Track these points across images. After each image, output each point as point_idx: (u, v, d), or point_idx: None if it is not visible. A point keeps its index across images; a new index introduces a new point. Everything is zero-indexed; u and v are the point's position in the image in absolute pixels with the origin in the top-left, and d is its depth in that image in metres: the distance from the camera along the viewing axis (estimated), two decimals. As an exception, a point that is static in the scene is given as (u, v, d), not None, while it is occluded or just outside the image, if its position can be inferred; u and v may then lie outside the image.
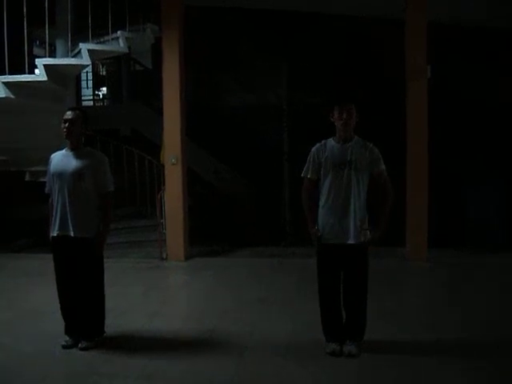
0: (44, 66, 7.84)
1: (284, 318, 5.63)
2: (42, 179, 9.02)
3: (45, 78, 7.84)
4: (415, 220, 8.57)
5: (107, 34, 8.94)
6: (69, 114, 4.86)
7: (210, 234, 9.98)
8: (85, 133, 4.94)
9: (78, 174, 4.76)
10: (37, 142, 8.20)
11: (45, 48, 8.93)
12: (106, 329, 4.95)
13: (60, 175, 4.80)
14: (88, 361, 4.52)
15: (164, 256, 8.94)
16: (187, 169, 9.21)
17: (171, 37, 8.92)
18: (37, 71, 8.02)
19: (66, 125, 4.81)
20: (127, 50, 9.40)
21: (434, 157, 8.73)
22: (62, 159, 4.89)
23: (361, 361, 4.45)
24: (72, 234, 4.72)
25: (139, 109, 13.08)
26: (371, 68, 10.20)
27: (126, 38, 9.11)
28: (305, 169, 4.69)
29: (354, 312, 4.64)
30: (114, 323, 5.19)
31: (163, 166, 9.12)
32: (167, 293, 7.12)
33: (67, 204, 4.75)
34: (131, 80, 14.78)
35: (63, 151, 4.94)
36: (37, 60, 8.02)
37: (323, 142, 4.69)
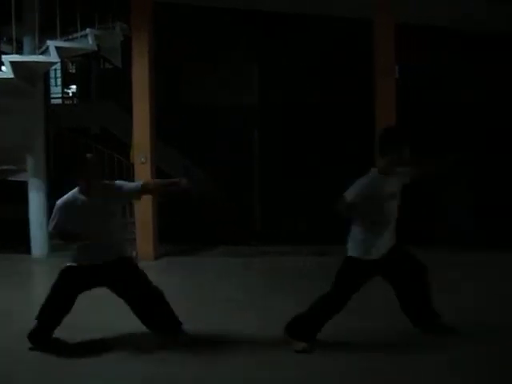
0: (11, 62, 7.75)
1: (252, 317, 5.63)
2: (10, 178, 8.99)
3: (12, 76, 7.74)
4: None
5: (76, 31, 8.85)
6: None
7: (181, 233, 9.95)
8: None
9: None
10: (3, 141, 8.08)
11: (12, 45, 8.82)
12: (71, 330, 4.89)
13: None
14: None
15: (134, 255, 8.88)
16: (157, 168, 9.18)
17: (141, 35, 8.89)
18: (3, 68, 7.91)
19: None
20: (96, 48, 9.32)
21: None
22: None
23: (335, 358, 4.49)
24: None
25: (109, 107, 12.98)
26: (341, 67, 10.28)
27: (95, 36, 9.02)
28: None
29: None
30: (83, 324, 5.15)
31: (133, 165, 9.08)
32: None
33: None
34: (101, 78, 14.65)
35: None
36: (3, 57, 7.93)
37: None
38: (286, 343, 4.57)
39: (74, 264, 4.75)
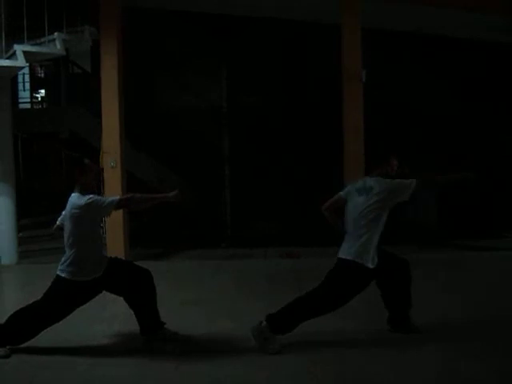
0: (-24, 67, 7.66)
1: (221, 319, 5.65)
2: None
3: (-23, 80, 7.66)
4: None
5: (43, 35, 8.78)
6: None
7: (151, 236, 9.95)
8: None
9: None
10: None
11: (-23, 49, 8.72)
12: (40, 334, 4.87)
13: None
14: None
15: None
16: (127, 172, 9.16)
17: (109, 39, 8.87)
18: (-31, 73, 7.83)
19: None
20: (64, 53, 9.26)
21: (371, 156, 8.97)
22: None
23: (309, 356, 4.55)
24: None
25: (78, 111, 12.91)
26: (308, 70, 10.39)
27: (63, 40, 8.96)
28: None
29: None
30: (54, 329, 5.13)
31: (102, 170, 9.05)
32: (106, 296, 7.06)
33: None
34: (70, 83, 14.56)
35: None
36: (-31, 61, 7.83)
37: None
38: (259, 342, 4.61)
39: (73, 279, 4.67)
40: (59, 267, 4.74)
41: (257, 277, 7.86)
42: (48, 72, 16.77)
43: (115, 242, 8.84)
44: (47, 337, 4.86)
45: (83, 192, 4.65)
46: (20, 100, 15.93)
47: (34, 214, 13.57)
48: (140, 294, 4.83)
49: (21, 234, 10.02)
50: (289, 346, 4.69)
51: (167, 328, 4.92)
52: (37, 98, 17.76)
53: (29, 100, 16.45)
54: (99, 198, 4.69)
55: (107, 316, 5.96)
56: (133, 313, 4.92)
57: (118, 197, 4.72)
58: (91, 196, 4.60)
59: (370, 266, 4.67)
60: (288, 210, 10.27)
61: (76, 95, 14.07)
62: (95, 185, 4.97)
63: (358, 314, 5.47)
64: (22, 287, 8.00)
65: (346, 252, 4.77)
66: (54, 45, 8.89)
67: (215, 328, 5.35)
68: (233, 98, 10.45)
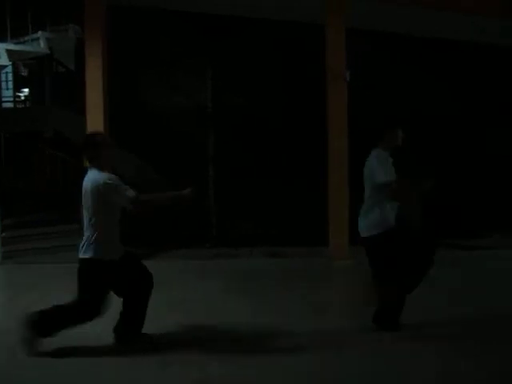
0: (-41, 66, 7.60)
1: (206, 319, 5.66)
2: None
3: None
4: (337, 218, 8.86)
5: (27, 33, 8.75)
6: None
7: (135, 236, 9.90)
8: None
9: None
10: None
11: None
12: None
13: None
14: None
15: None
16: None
17: (94, 39, 8.82)
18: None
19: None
20: (48, 51, 9.23)
21: (355, 156, 9.04)
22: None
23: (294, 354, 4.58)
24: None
25: (62, 111, 12.83)
26: (294, 70, 10.41)
27: (47, 39, 8.94)
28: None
29: None
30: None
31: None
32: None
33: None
34: (54, 81, 14.46)
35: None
36: (-49, 60, 7.76)
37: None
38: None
39: (102, 258, 4.51)
40: (81, 251, 4.56)
41: (242, 276, 7.88)
42: (32, 71, 16.64)
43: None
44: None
45: (101, 169, 4.52)
46: (3, 99, 15.79)
47: (18, 214, 13.49)
48: (138, 294, 4.76)
49: (4, 234, 9.96)
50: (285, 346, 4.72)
51: (145, 333, 4.86)
52: (20, 96, 17.62)
53: (12, 99, 16.30)
54: (120, 183, 4.46)
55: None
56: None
57: (137, 194, 4.42)
58: (111, 177, 4.46)
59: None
60: (273, 209, 10.29)
61: (60, 94, 13.98)
62: (112, 162, 4.73)
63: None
64: (5, 288, 7.96)
65: None
66: (38, 43, 8.89)
67: (201, 328, 5.35)
68: (218, 98, 10.44)
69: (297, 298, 6.46)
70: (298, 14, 9.61)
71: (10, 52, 8.21)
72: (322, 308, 6.12)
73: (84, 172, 4.73)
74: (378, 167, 4.99)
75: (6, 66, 9.07)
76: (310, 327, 5.22)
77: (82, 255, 4.55)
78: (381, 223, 5.00)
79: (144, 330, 4.84)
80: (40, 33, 8.79)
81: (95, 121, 8.81)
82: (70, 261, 8.84)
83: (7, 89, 15.65)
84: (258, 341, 4.96)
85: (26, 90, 17.46)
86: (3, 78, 15.14)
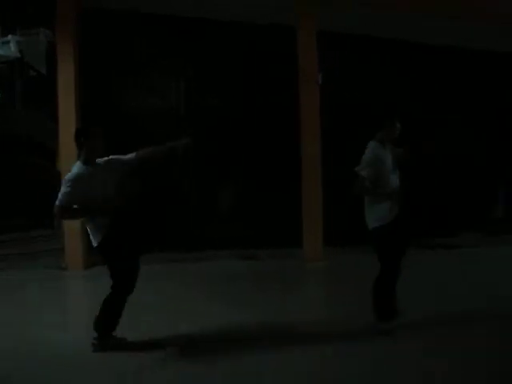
0: None
1: (180, 322, 5.66)
2: None
3: None
4: (310, 221, 8.93)
5: (-3, 37, 8.67)
6: None
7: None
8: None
9: None
10: None
11: None
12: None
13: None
14: None
15: (63, 265, 8.76)
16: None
17: (65, 41, 8.77)
18: None
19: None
20: (19, 55, 9.15)
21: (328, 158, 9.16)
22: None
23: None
24: None
25: (34, 114, 12.71)
26: (267, 73, 10.46)
27: (17, 42, 8.86)
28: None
29: None
30: (17, 334, 5.08)
31: (60, 172, 8.95)
32: (66, 303, 7.01)
33: None
34: (25, 85, 14.31)
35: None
36: None
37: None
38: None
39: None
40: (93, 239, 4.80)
41: (217, 278, 7.90)
42: (2, 74, 16.44)
43: (73, 248, 8.74)
44: (8, 343, 4.79)
45: (84, 162, 4.72)
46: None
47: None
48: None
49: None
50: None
51: (115, 336, 4.89)
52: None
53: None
54: (65, 182, 4.64)
55: (67, 321, 5.91)
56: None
57: (59, 199, 4.60)
58: (70, 174, 4.66)
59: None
60: (248, 211, 10.32)
61: (32, 98, 13.84)
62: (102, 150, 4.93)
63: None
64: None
65: None
66: (9, 47, 8.79)
67: (174, 331, 5.35)
68: (193, 100, 10.44)
69: (270, 299, 6.50)
70: (272, 17, 9.66)
71: (-21, 56, 8.12)
72: (296, 308, 6.18)
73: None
74: (363, 160, 5.11)
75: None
76: (285, 327, 5.25)
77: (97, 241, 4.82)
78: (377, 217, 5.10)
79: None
80: (10, 36, 8.71)
81: (68, 124, 8.75)
82: (39, 266, 8.80)
83: (-23, 93, 15.47)
84: (233, 343, 4.97)
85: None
86: (-28, 82, 14.96)
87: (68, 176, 4.64)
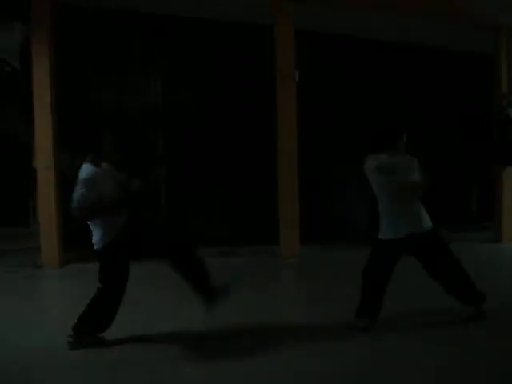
0: None
1: (158, 321, 5.67)
2: None
3: None
4: (287, 218, 8.98)
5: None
6: None
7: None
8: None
9: None
10: None
11: None
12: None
13: None
14: None
15: (39, 264, 8.69)
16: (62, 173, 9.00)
17: (41, 37, 8.66)
18: None
19: None
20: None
21: (304, 157, 9.22)
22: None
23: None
24: None
25: (9, 111, 12.54)
26: (243, 71, 10.47)
27: (-8, 38, 8.73)
28: None
29: None
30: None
31: (35, 170, 8.87)
32: (40, 301, 6.95)
33: None
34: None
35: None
36: None
37: None
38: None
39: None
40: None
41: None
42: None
43: (49, 246, 8.67)
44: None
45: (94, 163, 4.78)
46: None
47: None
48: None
49: None
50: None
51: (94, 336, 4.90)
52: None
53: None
54: (80, 182, 4.63)
55: (40, 321, 5.88)
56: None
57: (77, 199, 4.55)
58: (85, 174, 4.69)
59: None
60: (224, 208, 10.34)
61: (5, 94, 13.65)
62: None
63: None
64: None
65: None
66: (-17, 43, 8.66)
67: (153, 330, 5.36)
68: (168, 98, 10.40)
69: (249, 295, 6.53)
70: (248, 14, 9.66)
71: (-48, 51, 7.98)
72: (272, 305, 6.22)
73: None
74: None
75: None
76: (263, 324, 5.28)
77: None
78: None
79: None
80: (-16, 31, 8.58)
81: (43, 121, 8.68)
82: (13, 265, 8.71)
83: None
84: (220, 341, 5.03)
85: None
86: None
87: (82, 176, 4.62)
